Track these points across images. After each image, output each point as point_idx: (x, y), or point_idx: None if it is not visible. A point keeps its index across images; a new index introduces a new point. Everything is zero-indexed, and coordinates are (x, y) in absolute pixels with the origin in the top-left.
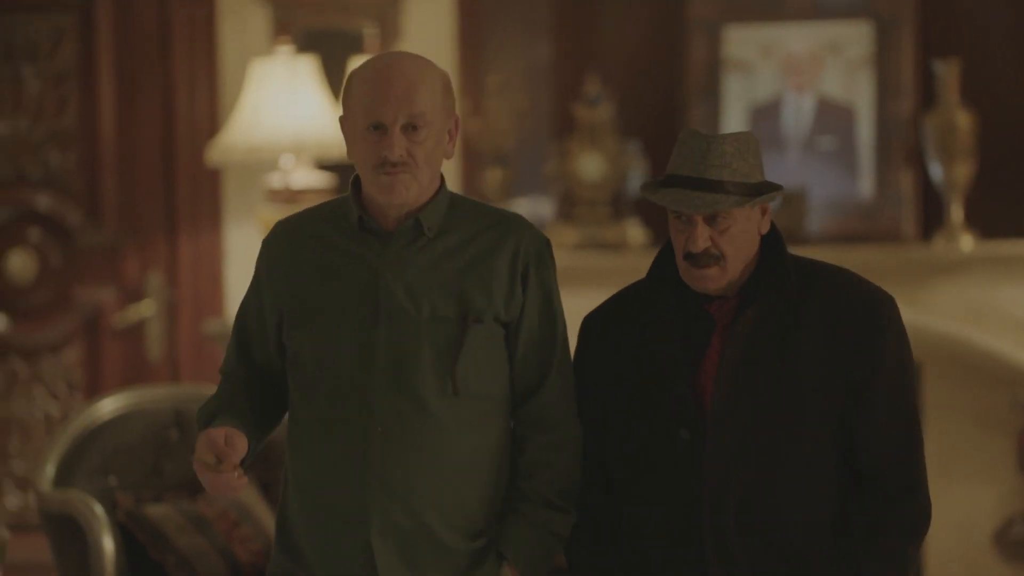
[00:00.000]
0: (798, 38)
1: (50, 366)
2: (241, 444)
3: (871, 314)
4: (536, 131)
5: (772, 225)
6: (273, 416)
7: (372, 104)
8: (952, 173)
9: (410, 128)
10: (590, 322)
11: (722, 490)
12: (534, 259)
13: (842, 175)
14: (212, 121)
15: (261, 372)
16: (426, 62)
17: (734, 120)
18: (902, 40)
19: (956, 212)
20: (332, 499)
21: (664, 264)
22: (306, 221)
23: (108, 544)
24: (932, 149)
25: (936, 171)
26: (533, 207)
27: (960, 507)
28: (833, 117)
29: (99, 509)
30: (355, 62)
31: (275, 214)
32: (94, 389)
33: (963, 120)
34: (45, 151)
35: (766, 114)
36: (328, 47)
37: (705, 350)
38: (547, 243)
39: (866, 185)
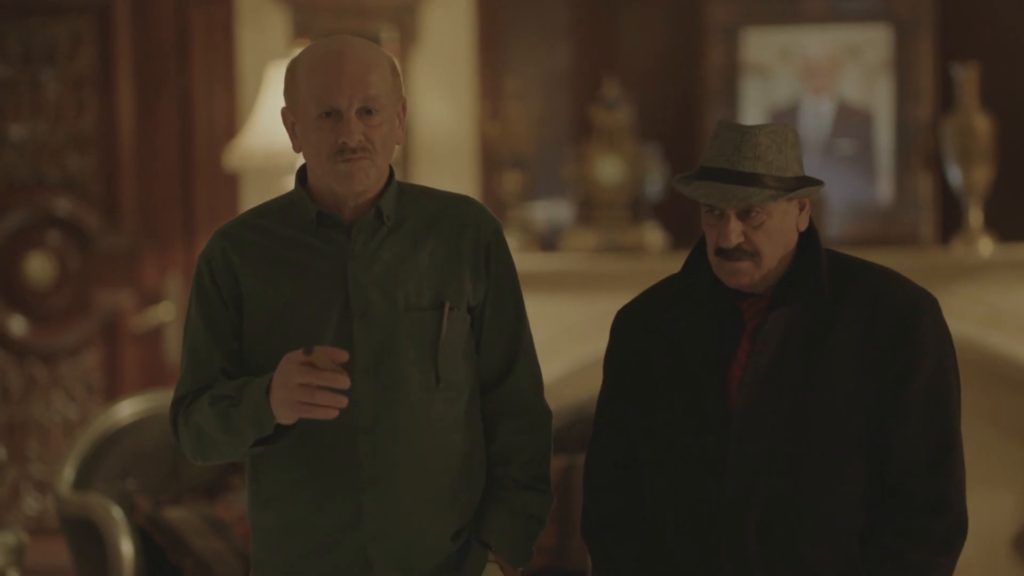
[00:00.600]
0: (816, 42)
1: (69, 369)
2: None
3: (909, 316)
4: (554, 135)
5: (810, 222)
6: None
7: (324, 90)
8: (971, 177)
9: (364, 112)
10: (620, 318)
11: (743, 497)
12: (494, 240)
13: (861, 179)
14: (230, 125)
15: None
16: (373, 45)
17: (753, 123)
18: (921, 44)
19: (975, 216)
20: (318, 509)
21: (698, 259)
22: (251, 224)
23: (127, 547)
24: (951, 153)
25: (955, 175)
26: (552, 210)
27: (979, 512)
28: (852, 121)
29: (117, 512)
30: None
31: None
32: (112, 392)
33: (982, 124)
34: (64, 155)
35: (784, 118)
36: None
37: (735, 350)
38: (500, 226)
39: (885, 189)
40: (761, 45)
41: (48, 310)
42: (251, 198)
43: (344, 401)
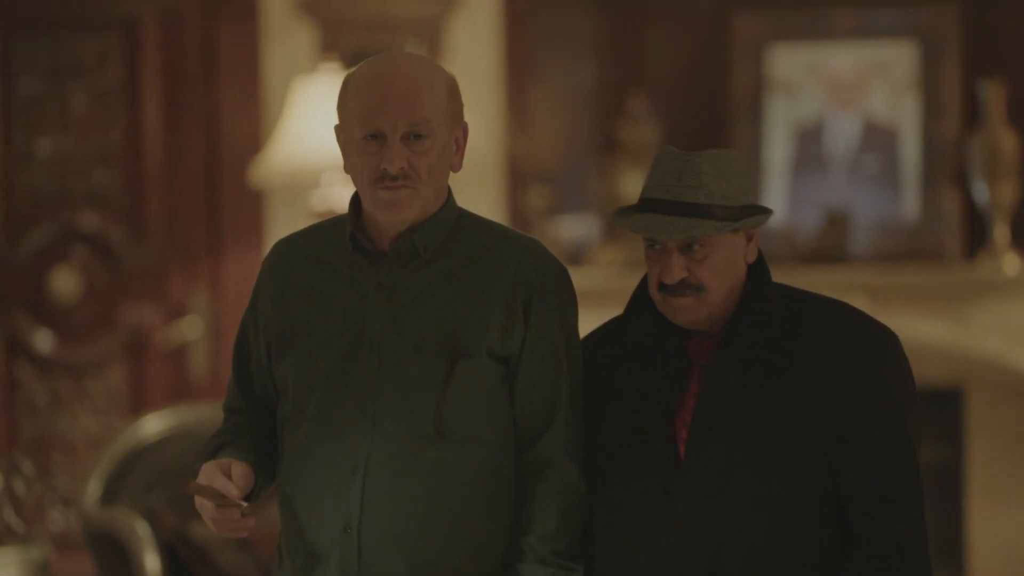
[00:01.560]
0: (842, 58)
1: (94, 384)
2: (246, 477)
3: (867, 356)
4: (580, 150)
5: (760, 254)
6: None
7: (369, 110)
8: (996, 193)
9: (412, 137)
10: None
11: (692, 547)
12: (538, 287)
13: (887, 196)
14: (256, 140)
15: (263, 407)
16: (430, 63)
17: (778, 140)
18: (947, 60)
19: (1001, 233)
20: (310, 548)
21: (643, 297)
22: (303, 241)
23: (152, 563)
24: (977, 169)
25: (981, 191)
26: (577, 226)
27: (1004, 529)
28: (877, 137)
29: (143, 528)
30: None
31: None
32: (138, 407)
33: (1008, 140)
34: (90, 170)
35: (810, 134)
36: None
37: (682, 394)
38: (559, 271)
39: (911, 206)
40: (787, 61)
41: (74, 325)
42: (276, 214)
43: (247, 528)
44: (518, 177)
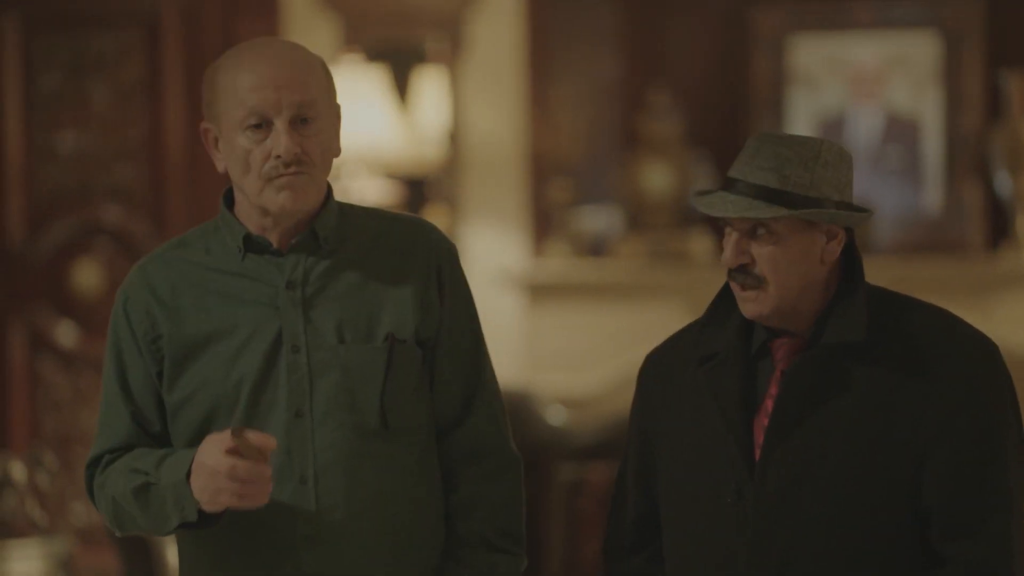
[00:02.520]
0: (864, 50)
1: None
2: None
3: (961, 364)
4: (602, 143)
5: (854, 255)
6: None
7: (251, 96)
8: (1019, 185)
9: (300, 122)
10: (647, 363)
11: (760, 555)
12: (447, 264)
13: (909, 188)
14: None
15: (156, 442)
16: (301, 46)
17: (800, 132)
18: (969, 52)
19: (1023, 224)
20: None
21: (730, 296)
22: (170, 256)
23: (175, 558)
24: (999, 161)
25: (1003, 183)
26: (599, 218)
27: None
28: (900, 130)
29: None
30: (418, 74)
31: None
32: None
33: None
34: (112, 165)
35: (832, 127)
36: (390, 60)
37: (764, 396)
38: (456, 250)
39: (933, 198)
40: (808, 54)
41: (97, 319)
42: None
43: (268, 493)
44: (540, 170)
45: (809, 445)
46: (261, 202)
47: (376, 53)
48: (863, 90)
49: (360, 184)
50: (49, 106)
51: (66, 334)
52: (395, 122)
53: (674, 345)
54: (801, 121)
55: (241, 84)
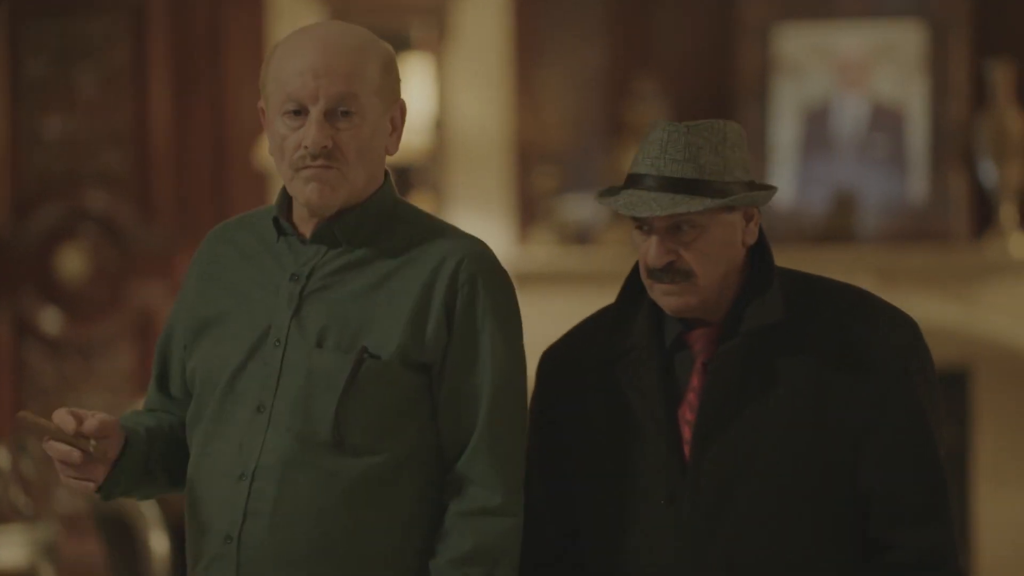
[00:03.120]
0: (850, 39)
1: (102, 364)
2: (105, 427)
3: (888, 345)
4: (588, 131)
5: (761, 235)
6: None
7: (290, 82)
8: (1004, 175)
9: (338, 113)
10: (546, 360)
11: (701, 555)
12: (467, 290)
13: (894, 177)
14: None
15: (182, 409)
16: (365, 33)
17: (786, 122)
18: (955, 41)
19: (1008, 214)
20: (198, 560)
21: (637, 285)
22: (233, 231)
23: (159, 543)
24: (985, 151)
25: (988, 173)
26: (584, 206)
27: (1011, 513)
28: (886, 119)
29: (150, 509)
30: (403, 61)
31: None
32: (146, 387)
33: (1015, 122)
34: (98, 150)
35: (818, 116)
36: None
37: (684, 390)
38: (496, 276)
39: (918, 187)
40: (794, 42)
41: (82, 305)
42: None
43: (96, 477)
44: (526, 158)
45: (741, 438)
46: (292, 190)
47: None
48: (849, 79)
49: None
50: (35, 91)
51: (52, 320)
52: None
53: (574, 342)
54: (787, 110)
55: (286, 67)
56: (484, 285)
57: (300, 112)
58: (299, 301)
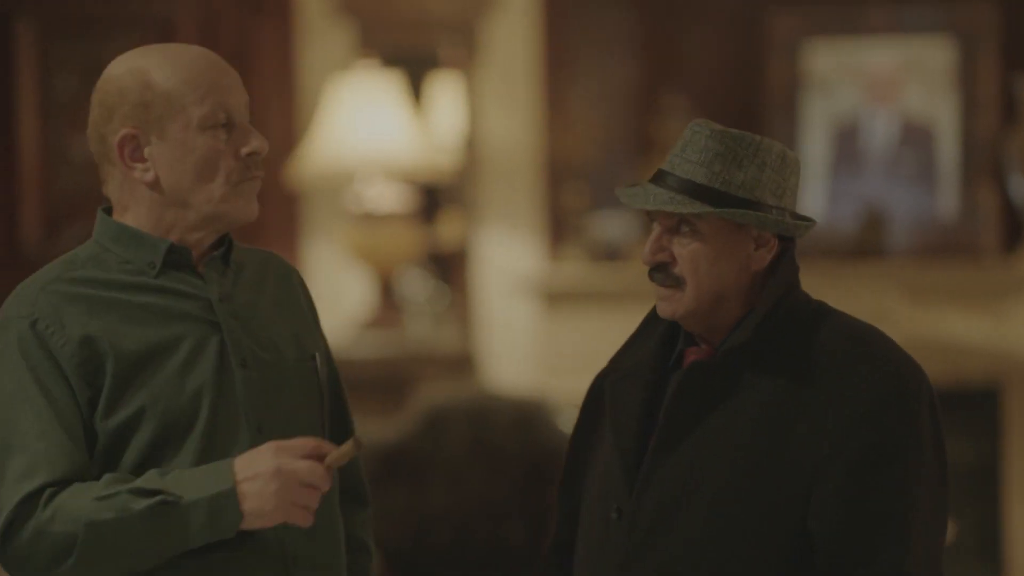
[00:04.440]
0: (879, 54)
1: None
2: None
3: (860, 386)
4: (617, 147)
5: (787, 265)
6: None
7: (214, 94)
8: None
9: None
10: (594, 381)
11: None
12: (309, 295)
13: (924, 192)
14: (292, 140)
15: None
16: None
17: (816, 138)
18: (985, 56)
19: None
20: None
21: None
22: (70, 277)
23: None
24: (1014, 165)
25: (1018, 187)
26: (614, 223)
27: None
28: (915, 134)
29: None
30: (432, 79)
31: (359, 233)
32: None
33: None
34: None
35: (847, 132)
36: (405, 66)
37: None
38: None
39: (948, 202)
40: (823, 58)
41: None
42: (312, 213)
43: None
44: (555, 175)
45: (692, 460)
46: (221, 210)
47: (391, 58)
48: (878, 95)
49: (375, 190)
50: (64, 110)
51: None
52: (410, 127)
53: (616, 356)
54: (816, 126)
55: (202, 83)
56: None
57: (226, 125)
58: (240, 319)
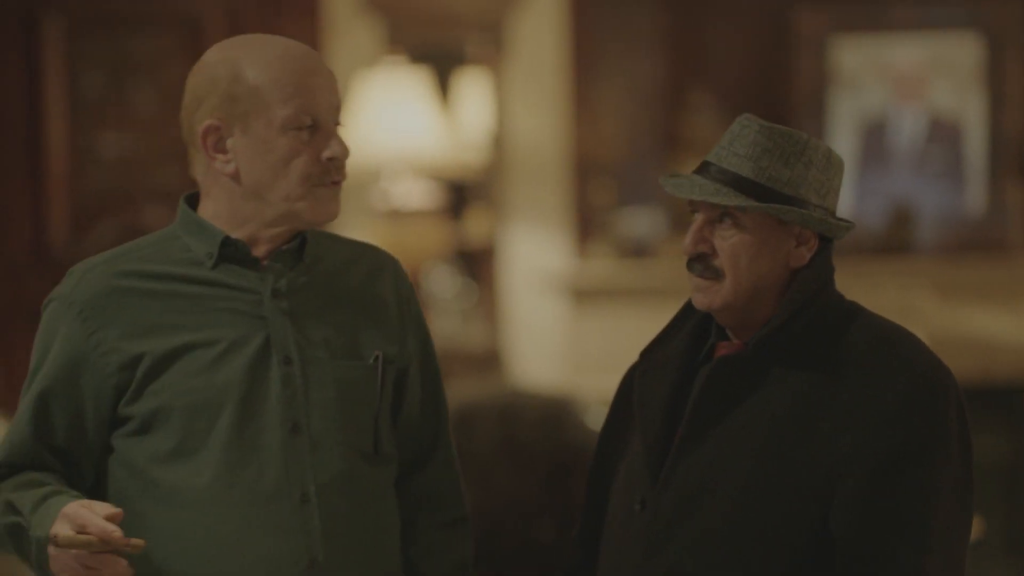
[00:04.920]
0: (906, 51)
1: None
2: (117, 517)
3: (885, 388)
4: (644, 144)
5: (821, 264)
6: None
7: (302, 95)
8: None
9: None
10: (626, 374)
11: (648, 571)
12: (411, 295)
13: (952, 189)
14: None
15: (65, 461)
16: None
17: (843, 135)
18: (1012, 52)
19: None
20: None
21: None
22: (122, 264)
23: None
24: None
25: None
26: (641, 219)
27: None
28: (943, 131)
29: None
30: (460, 76)
31: (387, 230)
32: None
33: None
34: (154, 167)
35: (875, 129)
36: (432, 62)
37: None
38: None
39: (976, 198)
40: (850, 55)
41: None
42: (341, 210)
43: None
44: (583, 172)
45: (717, 455)
46: (296, 209)
47: (419, 55)
48: (905, 91)
49: (402, 187)
50: (91, 109)
51: None
52: (437, 124)
53: (649, 345)
54: (844, 123)
55: (290, 82)
56: (414, 294)
57: (312, 126)
58: (294, 316)
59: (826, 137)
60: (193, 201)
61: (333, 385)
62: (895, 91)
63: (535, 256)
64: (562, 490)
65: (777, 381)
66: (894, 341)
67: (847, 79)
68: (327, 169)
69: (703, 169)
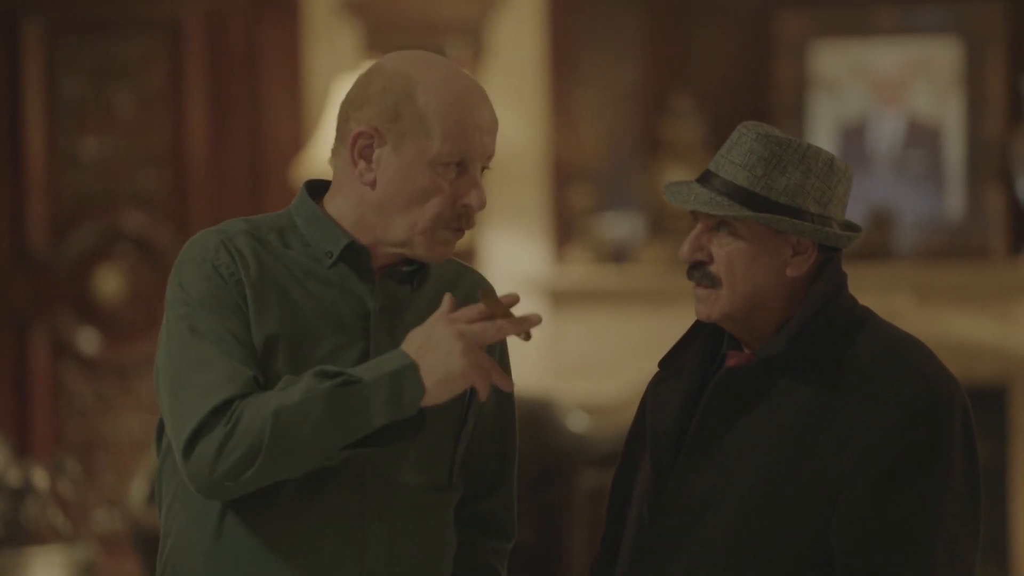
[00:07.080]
0: (886, 56)
1: (139, 385)
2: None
3: (889, 398)
4: (625, 149)
5: (831, 275)
6: None
7: (463, 132)
8: None
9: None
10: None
11: None
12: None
13: (931, 193)
14: (300, 139)
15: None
16: None
17: (822, 138)
18: (991, 57)
19: None
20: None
21: None
22: (251, 233)
23: None
24: (1021, 166)
25: None
26: (621, 224)
27: None
28: (922, 135)
29: None
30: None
31: None
32: None
33: None
34: (135, 170)
35: (854, 132)
36: None
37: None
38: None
39: (955, 203)
40: (831, 59)
41: (119, 326)
42: None
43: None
44: (562, 176)
45: (722, 465)
46: (415, 241)
47: None
48: (885, 96)
49: None
50: (72, 112)
51: (89, 341)
52: None
53: (668, 354)
54: (823, 127)
55: (457, 116)
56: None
57: (461, 164)
58: (394, 334)
59: (806, 140)
60: (311, 189)
61: (419, 411)
62: (875, 95)
63: (515, 260)
64: (543, 493)
65: (783, 393)
66: (900, 351)
67: (827, 83)
68: (459, 215)
69: (703, 178)
